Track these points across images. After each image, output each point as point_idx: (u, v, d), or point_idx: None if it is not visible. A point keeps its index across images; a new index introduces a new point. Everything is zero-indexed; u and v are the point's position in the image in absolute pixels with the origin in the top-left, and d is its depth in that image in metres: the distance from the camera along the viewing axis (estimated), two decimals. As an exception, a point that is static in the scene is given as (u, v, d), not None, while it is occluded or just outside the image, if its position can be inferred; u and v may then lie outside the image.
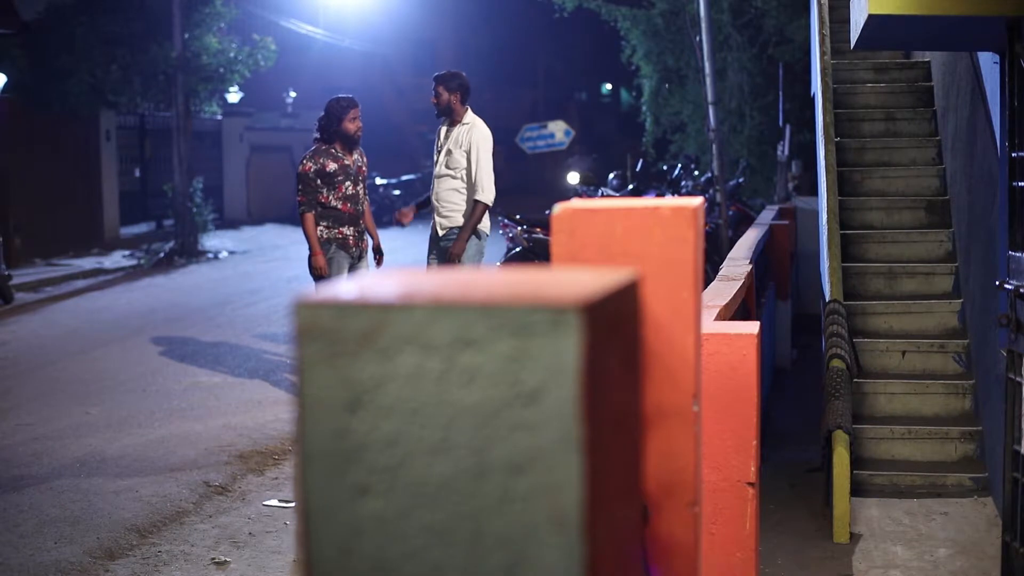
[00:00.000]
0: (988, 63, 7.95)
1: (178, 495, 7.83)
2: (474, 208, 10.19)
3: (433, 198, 10.43)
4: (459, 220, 10.27)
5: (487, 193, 10.18)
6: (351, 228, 10.59)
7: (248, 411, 10.12)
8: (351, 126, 10.55)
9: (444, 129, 10.52)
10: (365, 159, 10.94)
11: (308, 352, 1.44)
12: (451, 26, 50.74)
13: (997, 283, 6.13)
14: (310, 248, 10.46)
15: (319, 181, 10.47)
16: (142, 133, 28.88)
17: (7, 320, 15.90)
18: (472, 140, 10.25)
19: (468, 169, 10.23)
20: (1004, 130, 6.24)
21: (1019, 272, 5.83)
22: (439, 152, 10.49)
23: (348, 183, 10.58)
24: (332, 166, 10.51)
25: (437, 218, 10.37)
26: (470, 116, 10.42)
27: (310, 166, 10.51)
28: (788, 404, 10.71)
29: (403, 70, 48.56)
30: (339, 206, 10.52)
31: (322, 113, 10.66)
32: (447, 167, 10.32)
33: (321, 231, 10.46)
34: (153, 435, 9.34)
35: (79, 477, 8.21)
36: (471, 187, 10.24)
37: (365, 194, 10.84)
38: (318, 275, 10.40)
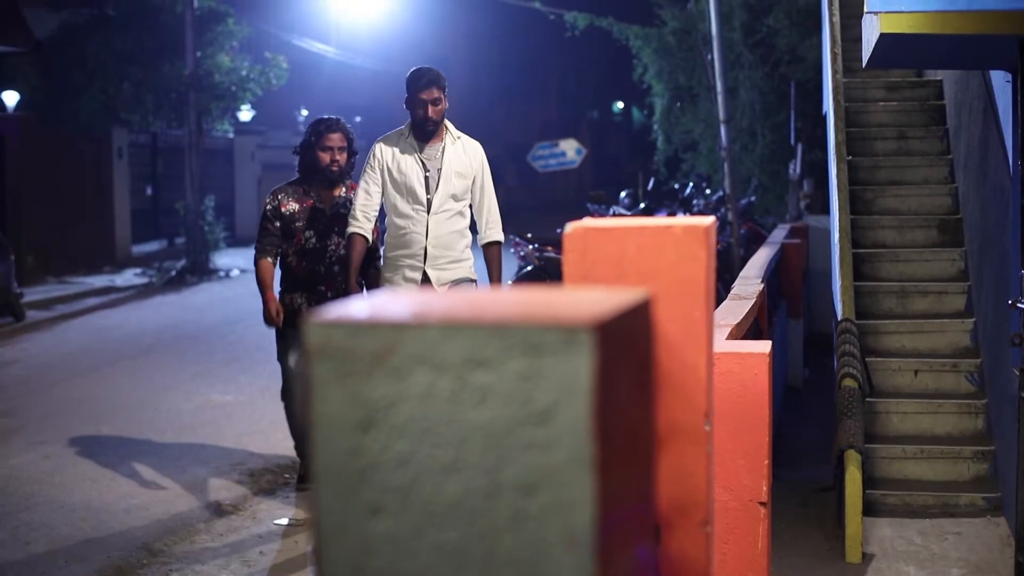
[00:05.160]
0: (1000, 81, 7.94)
1: (189, 514, 7.83)
2: (492, 253, 7.79)
3: (427, 245, 7.55)
4: (466, 271, 7.70)
5: (500, 230, 7.88)
6: (302, 295, 8.12)
7: (259, 430, 10.11)
8: (324, 156, 8.11)
9: (416, 148, 7.67)
10: None
11: (321, 371, 1.45)
12: (463, 44, 50.82)
13: (1010, 302, 6.12)
14: (261, 293, 8.13)
15: (277, 223, 8.12)
16: (154, 151, 28.99)
17: (19, 338, 15.93)
18: (482, 162, 7.78)
19: (472, 200, 7.78)
20: (1016, 148, 6.24)
21: (1032, 291, 5.82)
22: (426, 179, 7.63)
23: (310, 232, 8.09)
24: (290, 207, 8.11)
25: (431, 271, 7.54)
26: (453, 128, 7.79)
27: (268, 202, 8.22)
28: (800, 423, 10.69)
29: (415, 88, 48.63)
30: (292, 263, 8.12)
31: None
32: (453, 199, 7.63)
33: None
34: (164, 454, 9.34)
35: (90, 495, 8.22)
36: (474, 223, 7.85)
37: (376, 250, 8.23)
38: (270, 325, 8.18)
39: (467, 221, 7.75)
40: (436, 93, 7.55)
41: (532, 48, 52.05)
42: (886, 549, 7.24)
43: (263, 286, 8.06)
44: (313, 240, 8.06)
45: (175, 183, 28.18)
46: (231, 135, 31.36)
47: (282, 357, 8.17)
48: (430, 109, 7.55)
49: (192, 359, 13.84)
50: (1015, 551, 6.23)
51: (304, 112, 39.33)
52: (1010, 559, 6.59)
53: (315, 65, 38.13)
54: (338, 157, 8.09)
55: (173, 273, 23.72)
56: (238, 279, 24.00)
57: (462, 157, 7.70)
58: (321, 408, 1.45)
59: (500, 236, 7.81)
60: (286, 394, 8.33)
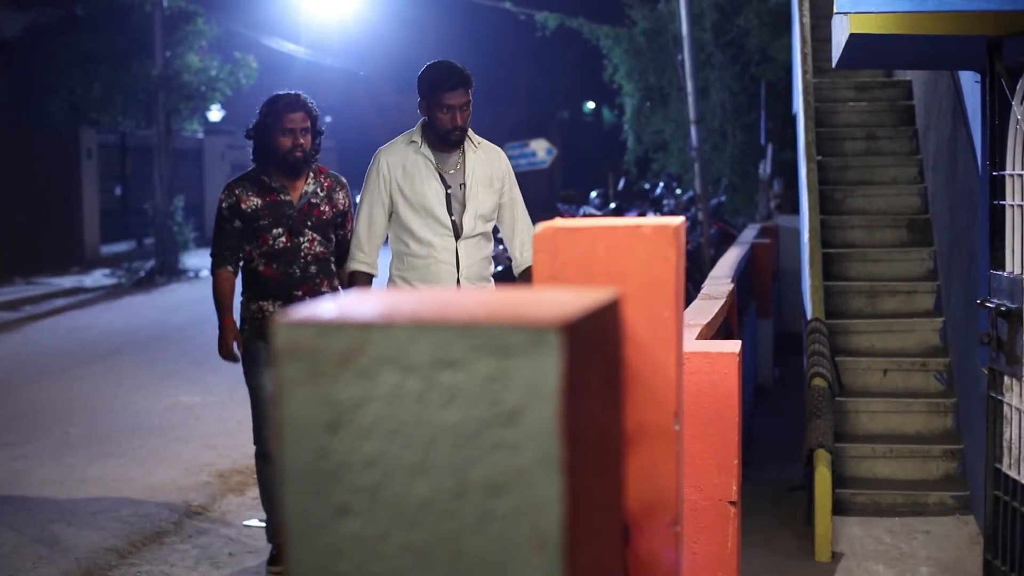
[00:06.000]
0: (969, 82, 7.97)
1: (158, 515, 7.80)
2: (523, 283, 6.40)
3: (461, 277, 6.21)
4: None
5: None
6: (274, 303, 6.64)
7: (228, 431, 10.08)
8: (284, 140, 6.59)
9: (431, 159, 6.26)
10: (342, 193, 6.84)
11: (288, 372, 1.44)
12: (433, 44, 50.75)
13: (978, 301, 6.14)
14: (218, 315, 6.85)
15: (237, 222, 6.66)
16: (123, 151, 28.93)
17: (-13, 339, 15.85)
18: (508, 171, 6.45)
19: (500, 218, 6.47)
20: (985, 149, 6.26)
21: (1000, 291, 5.84)
22: (448, 197, 6.24)
23: (279, 231, 6.61)
24: (252, 202, 6.62)
25: None
26: (472, 133, 6.44)
27: (223, 199, 6.71)
28: (770, 423, 10.71)
29: (385, 88, 48.58)
30: (260, 267, 6.64)
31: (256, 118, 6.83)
32: (483, 220, 6.30)
33: (241, 302, 6.82)
34: (133, 455, 9.30)
35: (58, 497, 8.17)
36: (500, 247, 6.18)
37: (328, 247, 6.75)
38: (226, 358, 6.83)
39: (492, 244, 6.46)
40: (465, 96, 6.14)
41: (502, 48, 52.07)
42: (855, 548, 7.26)
43: (220, 306, 6.75)
44: (283, 239, 6.58)
45: (144, 183, 28.09)
46: (201, 135, 31.33)
47: (252, 378, 6.68)
48: (458, 116, 6.13)
49: (161, 360, 13.78)
50: (984, 549, 6.26)
51: (274, 112, 39.26)
52: (979, 557, 6.62)
53: (285, 65, 38.05)
54: (301, 140, 6.58)
55: (142, 274, 23.64)
56: (207, 280, 23.83)
57: (486, 168, 6.32)
58: (289, 409, 1.44)
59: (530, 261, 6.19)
60: (259, 439, 6.80)
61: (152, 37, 23.91)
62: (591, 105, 64.10)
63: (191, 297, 20.89)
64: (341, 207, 6.76)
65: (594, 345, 1.52)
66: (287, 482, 1.45)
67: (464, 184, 6.23)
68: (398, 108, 45.70)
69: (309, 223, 6.64)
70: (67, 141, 25.13)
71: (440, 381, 1.39)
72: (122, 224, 28.71)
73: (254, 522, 7.70)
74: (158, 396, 11.63)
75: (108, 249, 27.08)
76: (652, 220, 2.24)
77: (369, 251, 6.32)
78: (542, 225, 2.25)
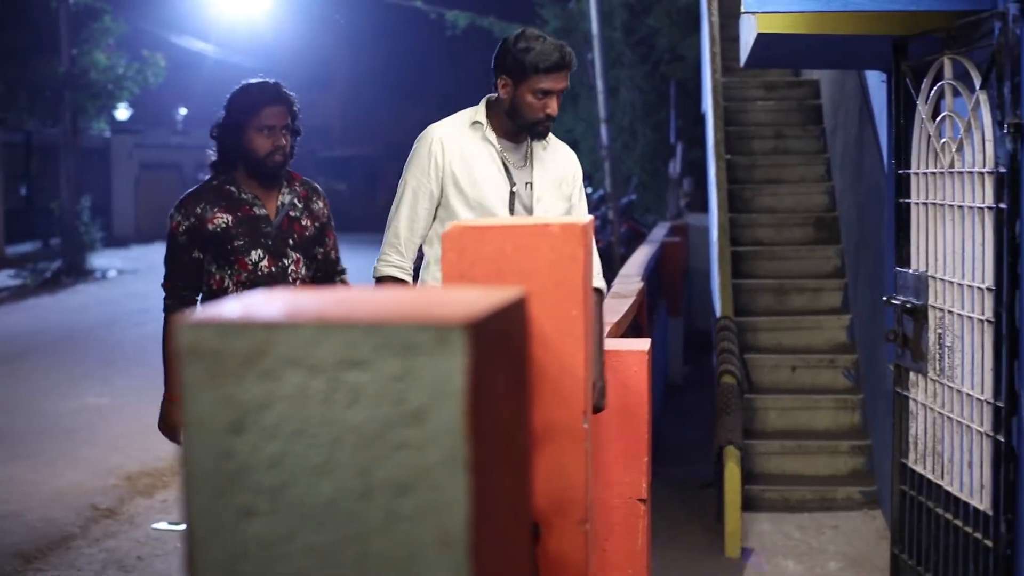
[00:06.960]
0: (876, 82, 8.06)
1: (64, 519, 7.70)
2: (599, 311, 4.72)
3: None
4: None
5: (601, 274, 4.85)
6: None
7: (137, 432, 9.97)
8: (262, 141, 5.19)
9: (497, 149, 4.94)
10: (321, 202, 5.44)
11: (192, 373, 1.42)
12: (345, 43, 50.60)
13: (885, 299, 6.21)
14: (165, 386, 5.28)
15: (195, 251, 5.17)
16: (28, 150, 28.56)
17: None
18: (577, 176, 5.13)
19: None
20: (891, 148, 6.33)
21: (906, 288, 5.91)
22: (512, 197, 4.91)
23: (259, 253, 5.17)
24: (220, 220, 5.15)
25: None
26: None
27: (179, 222, 5.19)
28: (680, 420, 10.77)
29: (297, 87, 48.22)
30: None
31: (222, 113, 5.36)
32: None
33: None
34: (40, 458, 9.18)
35: (-37, 501, 8.06)
36: None
37: (311, 268, 5.36)
38: (171, 437, 5.11)
39: None
40: (566, 81, 4.93)
41: (414, 48, 51.99)
42: (765, 544, 7.32)
43: (170, 370, 5.16)
44: (265, 263, 5.16)
45: (50, 183, 27.78)
46: (108, 134, 31.01)
47: None
48: (555, 104, 4.92)
49: (69, 361, 13.61)
50: (891, 543, 6.33)
51: (183, 111, 38.97)
52: (886, 551, 6.69)
53: (195, 64, 37.77)
54: (283, 141, 5.23)
55: (48, 275, 23.36)
56: (115, 280, 23.70)
57: (557, 169, 5.05)
58: (192, 410, 1.43)
59: (603, 282, 4.85)
60: None
61: (58, 34, 23.62)
62: (502, 104, 64.26)
63: (98, 298, 20.66)
64: (323, 219, 5.41)
65: (500, 344, 1.52)
66: (190, 483, 1.43)
67: (531, 184, 4.99)
68: (312, 106, 45.47)
69: (291, 242, 5.27)
70: (-30, 140, 24.80)
71: (345, 381, 1.38)
72: (27, 224, 28.36)
73: (163, 525, 7.62)
74: (66, 398, 11.49)
75: (13, 250, 26.74)
76: (560, 219, 2.24)
77: (407, 252, 4.91)
78: (450, 224, 2.24)
